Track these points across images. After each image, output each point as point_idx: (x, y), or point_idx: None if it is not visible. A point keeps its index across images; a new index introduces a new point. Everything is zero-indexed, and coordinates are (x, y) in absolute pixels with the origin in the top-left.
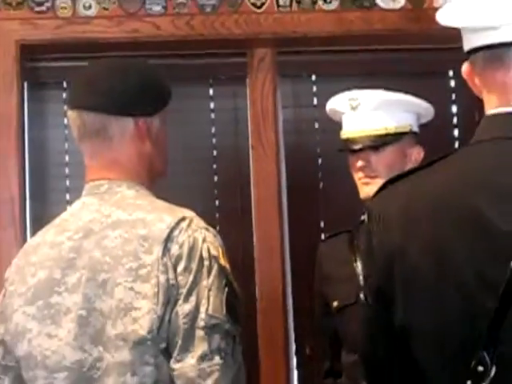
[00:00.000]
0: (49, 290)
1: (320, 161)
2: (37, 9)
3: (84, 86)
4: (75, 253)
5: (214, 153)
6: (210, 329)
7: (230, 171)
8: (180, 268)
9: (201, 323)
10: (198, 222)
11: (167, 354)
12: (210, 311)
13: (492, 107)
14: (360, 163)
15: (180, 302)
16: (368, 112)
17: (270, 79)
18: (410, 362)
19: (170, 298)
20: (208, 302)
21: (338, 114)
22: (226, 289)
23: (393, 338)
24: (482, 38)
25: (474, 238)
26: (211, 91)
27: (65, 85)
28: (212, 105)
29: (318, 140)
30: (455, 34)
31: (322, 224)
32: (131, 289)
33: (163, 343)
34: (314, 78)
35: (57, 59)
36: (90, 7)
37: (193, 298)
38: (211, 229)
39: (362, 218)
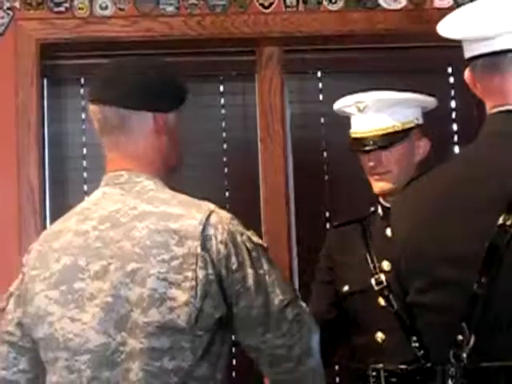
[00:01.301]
0: (73, 275)
1: (325, 154)
2: (55, 9)
3: (105, 82)
4: (101, 242)
5: (225, 146)
6: (284, 308)
7: (240, 163)
8: (234, 266)
9: (275, 308)
10: (224, 214)
11: (203, 339)
12: (281, 296)
13: (492, 107)
14: (371, 163)
15: (252, 295)
16: (375, 113)
17: (278, 76)
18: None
19: (208, 292)
20: (274, 288)
21: (346, 114)
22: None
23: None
24: (480, 48)
25: (460, 223)
26: (221, 88)
27: (82, 81)
28: (222, 100)
29: (324, 134)
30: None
31: (327, 214)
32: (164, 279)
33: (200, 331)
34: (319, 74)
35: (75, 57)
36: (106, 7)
37: (262, 289)
38: (232, 215)
39: (372, 208)
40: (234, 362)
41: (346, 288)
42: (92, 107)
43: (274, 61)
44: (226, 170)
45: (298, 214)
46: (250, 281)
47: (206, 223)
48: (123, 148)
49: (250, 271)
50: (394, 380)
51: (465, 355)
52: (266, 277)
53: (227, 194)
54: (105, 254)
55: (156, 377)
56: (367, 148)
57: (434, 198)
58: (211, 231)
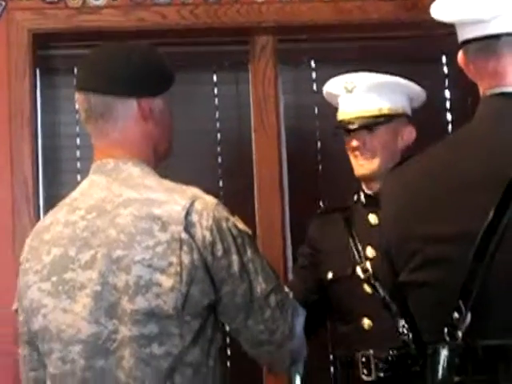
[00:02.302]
0: (63, 266)
1: (319, 144)
2: None
3: (90, 70)
4: (89, 232)
5: (218, 136)
6: (267, 296)
7: (233, 154)
8: (220, 253)
9: (258, 296)
10: (209, 200)
11: (192, 325)
12: (263, 284)
13: (486, 89)
14: (355, 143)
15: (236, 281)
16: (363, 94)
17: (272, 66)
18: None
19: (194, 277)
20: (257, 275)
21: (335, 97)
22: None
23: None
24: (474, 31)
25: (455, 201)
26: (215, 77)
27: (75, 71)
28: (216, 90)
29: (318, 124)
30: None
31: (320, 204)
32: (149, 266)
33: (188, 317)
34: (313, 64)
35: (67, 47)
36: None
37: (245, 276)
38: (217, 200)
39: (355, 198)
40: (229, 351)
41: (329, 275)
42: (77, 95)
43: (268, 50)
44: (219, 159)
45: (292, 203)
46: (235, 268)
47: (189, 209)
48: (109, 136)
49: (234, 258)
50: (383, 366)
51: (460, 334)
52: (250, 264)
53: (221, 183)
54: (93, 243)
55: (147, 363)
56: (352, 127)
57: (426, 177)
58: (195, 218)
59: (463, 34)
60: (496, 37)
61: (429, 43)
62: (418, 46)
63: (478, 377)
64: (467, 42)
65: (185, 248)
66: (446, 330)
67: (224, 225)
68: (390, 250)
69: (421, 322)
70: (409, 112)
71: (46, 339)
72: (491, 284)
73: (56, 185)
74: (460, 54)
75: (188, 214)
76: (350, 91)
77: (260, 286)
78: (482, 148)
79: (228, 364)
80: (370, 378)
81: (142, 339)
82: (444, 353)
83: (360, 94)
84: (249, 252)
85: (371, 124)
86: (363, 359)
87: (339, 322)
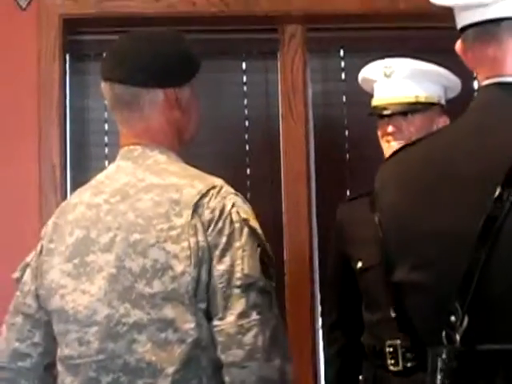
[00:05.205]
0: (85, 249)
1: (347, 133)
2: None
3: (114, 59)
4: (111, 215)
5: (246, 123)
6: (246, 287)
7: (261, 141)
8: (210, 230)
9: (237, 282)
10: (228, 189)
11: (206, 313)
12: (246, 271)
13: (485, 79)
14: (391, 128)
15: (214, 263)
16: (401, 80)
17: (300, 54)
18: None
19: (201, 259)
20: (243, 262)
21: (370, 83)
22: (259, 249)
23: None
24: (473, 16)
25: (451, 195)
26: (244, 65)
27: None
28: (245, 78)
29: (346, 113)
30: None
31: (348, 193)
32: (163, 249)
33: (201, 303)
34: (342, 53)
35: (97, 33)
36: None
37: (227, 259)
38: (240, 195)
39: None
40: None
41: (359, 264)
42: (103, 84)
43: (297, 39)
44: (247, 147)
45: (319, 191)
46: (220, 248)
47: (204, 194)
48: (136, 124)
49: (223, 239)
50: (411, 356)
51: (458, 337)
52: (239, 251)
53: (248, 171)
54: (113, 225)
55: (162, 348)
56: (388, 112)
57: (423, 170)
58: (206, 200)
59: (462, 20)
60: (496, 21)
61: (457, 34)
62: (447, 37)
63: (477, 382)
64: (466, 28)
65: (190, 231)
66: (443, 333)
67: (228, 208)
68: (389, 246)
69: (419, 324)
70: (443, 102)
71: (62, 320)
72: (488, 286)
73: (84, 170)
74: (458, 42)
75: (201, 198)
76: (389, 76)
77: (241, 273)
78: (480, 140)
79: None
80: (396, 368)
81: (159, 323)
82: (442, 356)
83: (398, 79)
84: (243, 240)
85: (408, 111)
86: (390, 349)
87: (367, 311)
